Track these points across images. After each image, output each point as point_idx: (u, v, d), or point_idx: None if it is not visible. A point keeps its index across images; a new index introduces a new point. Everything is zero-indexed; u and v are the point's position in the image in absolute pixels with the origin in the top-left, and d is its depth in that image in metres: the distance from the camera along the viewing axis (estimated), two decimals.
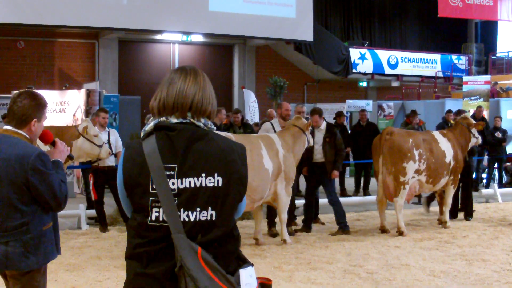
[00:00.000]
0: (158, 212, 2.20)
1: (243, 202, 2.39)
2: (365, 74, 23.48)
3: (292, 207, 8.62)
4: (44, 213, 3.39)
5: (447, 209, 9.34)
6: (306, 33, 19.47)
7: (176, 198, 2.19)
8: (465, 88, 19.24)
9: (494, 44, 26.67)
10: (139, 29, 17.71)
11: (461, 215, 10.12)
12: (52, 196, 3.33)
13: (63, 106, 13.57)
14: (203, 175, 2.22)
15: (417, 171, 8.70)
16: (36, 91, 12.96)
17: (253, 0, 18.38)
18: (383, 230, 8.80)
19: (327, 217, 10.03)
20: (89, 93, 13.08)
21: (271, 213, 8.54)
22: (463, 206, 10.13)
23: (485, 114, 16.08)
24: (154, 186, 2.20)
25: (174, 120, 2.28)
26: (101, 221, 8.97)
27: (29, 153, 3.27)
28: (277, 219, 8.36)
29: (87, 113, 12.78)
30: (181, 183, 2.21)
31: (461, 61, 25.47)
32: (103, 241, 8.18)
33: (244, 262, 2.31)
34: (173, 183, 2.20)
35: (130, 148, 2.29)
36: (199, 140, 2.25)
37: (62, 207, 3.42)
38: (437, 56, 25.02)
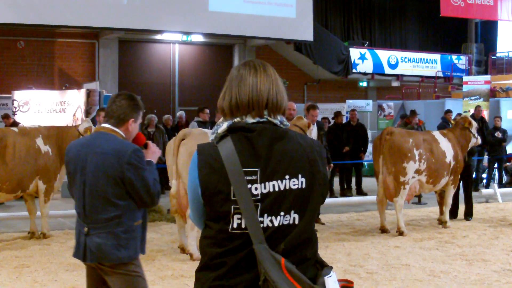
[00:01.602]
0: (240, 219, 2.07)
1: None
2: (365, 74, 23.47)
3: None
4: (136, 209, 3.47)
5: (447, 209, 9.34)
6: (306, 33, 19.46)
7: (260, 204, 2.06)
8: (465, 88, 19.24)
9: (494, 44, 26.66)
10: (139, 29, 17.70)
11: (460, 215, 10.13)
12: (146, 191, 3.41)
13: (63, 106, 13.57)
14: (287, 177, 2.08)
15: (417, 171, 8.70)
16: (38, 90, 12.99)
17: (253, 0, 18.37)
18: (383, 230, 8.80)
19: (327, 217, 10.03)
20: (89, 93, 13.09)
21: None
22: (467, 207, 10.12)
23: (485, 114, 16.09)
24: (235, 193, 2.06)
25: (250, 120, 2.12)
26: None
27: (125, 148, 3.39)
28: None
29: (87, 113, 12.78)
30: (265, 188, 2.07)
31: (461, 61, 25.46)
32: None
33: (322, 265, 2.18)
34: (256, 188, 2.06)
35: (205, 152, 2.12)
36: (280, 140, 2.11)
37: (155, 203, 3.51)
38: (437, 56, 25.01)
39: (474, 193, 10.99)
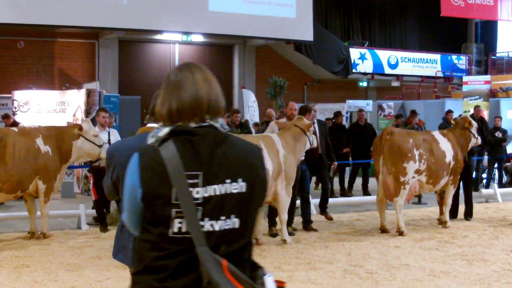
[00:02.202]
0: (181, 223, 2.06)
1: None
2: (365, 74, 23.47)
3: (292, 207, 8.62)
4: None
5: (447, 209, 9.34)
6: (306, 33, 19.47)
7: (201, 208, 2.06)
8: (465, 88, 19.25)
9: (494, 44, 26.66)
10: (139, 29, 17.71)
11: (460, 215, 10.13)
12: None
13: (63, 106, 13.58)
14: (228, 181, 2.09)
15: (418, 171, 8.70)
16: (38, 90, 12.99)
17: (253, 0, 18.38)
18: (383, 230, 8.80)
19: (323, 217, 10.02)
20: (89, 93, 13.09)
21: (271, 213, 8.53)
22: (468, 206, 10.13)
23: (485, 114, 16.09)
24: (177, 197, 2.05)
25: (192, 124, 2.12)
26: (101, 221, 8.97)
27: None
28: (277, 219, 8.37)
29: (87, 113, 12.78)
30: (206, 192, 2.07)
31: (461, 61, 25.47)
32: (103, 241, 8.18)
33: (254, 266, 2.21)
34: (197, 192, 2.06)
35: (146, 155, 2.10)
36: (222, 144, 2.12)
37: None
38: (437, 56, 25.02)
39: (474, 193, 10.99)
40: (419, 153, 8.70)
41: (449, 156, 9.07)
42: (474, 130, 9.55)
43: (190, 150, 2.08)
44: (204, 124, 2.12)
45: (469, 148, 9.65)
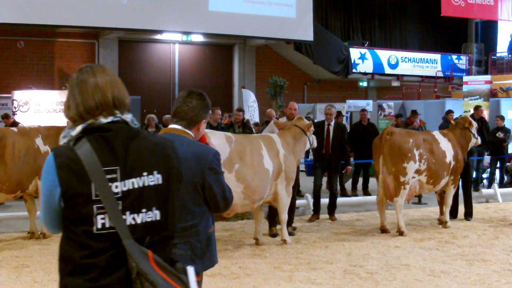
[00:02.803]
0: (104, 219, 2.10)
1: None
2: (365, 74, 23.48)
3: (292, 208, 8.62)
4: (210, 216, 3.29)
5: (447, 209, 9.34)
6: (306, 33, 19.47)
7: (121, 202, 2.11)
8: (465, 88, 19.24)
9: (494, 44, 26.66)
10: (139, 29, 17.71)
11: (461, 215, 10.13)
12: (223, 197, 3.22)
13: (63, 106, 13.57)
14: (145, 174, 2.16)
15: (418, 171, 8.69)
16: (38, 90, 12.97)
17: (253, 0, 18.38)
18: (383, 230, 8.80)
19: (327, 216, 10.02)
20: None
21: (272, 213, 8.53)
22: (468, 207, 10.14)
23: (485, 114, 16.07)
24: (97, 193, 2.09)
25: (103, 120, 2.17)
26: None
27: (206, 152, 3.18)
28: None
29: None
30: (125, 186, 2.12)
31: (461, 61, 25.47)
32: None
33: (172, 261, 2.27)
34: (116, 187, 2.11)
35: (62, 155, 2.13)
36: (135, 138, 2.18)
37: (228, 208, 3.31)
38: (437, 56, 25.02)
39: (474, 193, 10.99)
40: (419, 153, 8.69)
41: (449, 156, 9.06)
42: (474, 130, 9.56)
43: (105, 146, 2.13)
44: (115, 119, 2.18)
45: (469, 148, 9.65)
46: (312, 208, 10.23)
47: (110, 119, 2.17)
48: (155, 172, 2.18)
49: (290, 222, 8.55)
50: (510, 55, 23.83)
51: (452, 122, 10.19)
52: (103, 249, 2.10)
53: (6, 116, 12.57)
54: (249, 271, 6.48)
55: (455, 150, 9.17)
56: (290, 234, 8.31)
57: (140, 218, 2.14)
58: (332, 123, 10.11)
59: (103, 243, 2.10)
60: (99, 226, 2.10)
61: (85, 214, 2.10)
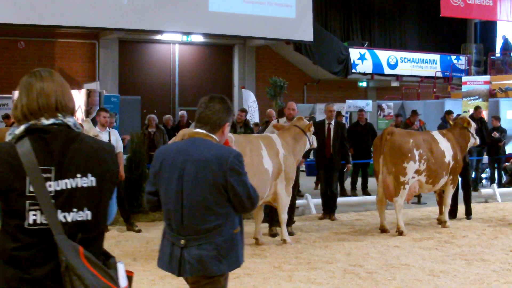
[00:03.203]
0: (36, 215, 2.22)
1: (114, 205, 2.49)
2: (364, 74, 23.49)
3: (292, 208, 8.64)
4: (235, 216, 3.33)
5: (446, 209, 9.37)
6: (306, 33, 19.49)
7: (54, 200, 2.24)
8: (464, 88, 19.27)
9: (494, 45, 26.68)
10: (139, 29, 17.73)
11: (460, 214, 10.15)
12: (248, 197, 3.27)
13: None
14: (78, 176, 2.29)
15: (417, 171, 8.72)
16: None
17: (253, 0, 18.40)
18: (383, 230, 8.82)
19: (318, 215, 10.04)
20: (89, 93, 13.11)
21: (271, 213, 8.55)
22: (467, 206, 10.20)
23: (484, 114, 16.09)
24: (31, 189, 2.21)
25: (45, 121, 2.30)
26: None
27: (227, 154, 3.25)
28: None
29: (87, 113, 12.81)
30: (58, 185, 2.25)
31: (460, 61, 25.48)
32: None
33: (107, 256, 2.41)
34: (50, 186, 2.24)
35: (3, 151, 2.26)
36: (73, 142, 2.32)
37: (254, 207, 3.39)
38: (436, 56, 25.04)
39: (473, 193, 11.01)
40: (419, 153, 8.72)
41: (448, 156, 9.09)
42: (472, 130, 9.59)
43: (43, 146, 2.27)
44: (57, 122, 2.32)
45: (468, 148, 9.68)
46: (312, 208, 10.27)
47: (51, 121, 2.30)
48: (89, 175, 2.31)
49: (290, 222, 8.58)
50: (502, 56, 23.88)
51: (451, 122, 10.22)
52: (33, 243, 2.22)
53: (6, 116, 12.59)
54: (249, 271, 6.50)
55: (454, 150, 9.21)
56: (290, 234, 8.33)
57: (70, 217, 2.27)
58: (333, 122, 10.10)
59: (33, 238, 2.22)
60: (31, 221, 2.23)
61: (17, 209, 2.23)
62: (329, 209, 10.03)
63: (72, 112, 2.40)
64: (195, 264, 3.23)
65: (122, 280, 2.35)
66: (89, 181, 2.30)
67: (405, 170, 8.59)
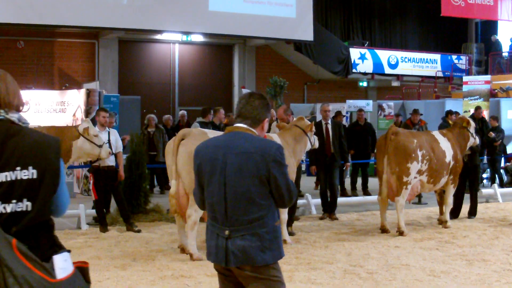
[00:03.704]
0: None
1: (64, 198, 2.56)
2: (365, 74, 23.46)
3: (292, 208, 8.62)
4: (275, 209, 3.40)
5: (447, 209, 9.35)
6: (306, 33, 19.46)
7: None
8: (465, 88, 19.23)
9: (495, 44, 26.61)
10: (139, 29, 17.70)
11: (462, 214, 10.14)
12: (287, 190, 3.34)
13: (63, 106, 13.57)
14: (18, 168, 2.38)
15: (419, 172, 8.74)
16: (38, 90, 12.98)
17: (253, 0, 18.37)
18: (384, 230, 8.80)
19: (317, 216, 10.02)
20: (89, 93, 13.07)
21: None
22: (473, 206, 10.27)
23: (485, 114, 16.06)
24: None
25: None
26: (101, 221, 8.96)
27: (270, 146, 3.33)
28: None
29: (87, 113, 12.78)
30: None
31: (461, 61, 25.45)
32: (103, 241, 8.17)
33: (60, 248, 2.49)
34: None
35: None
36: (14, 136, 2.42)
37: (292, 202, 3.43)
38: (437, 56, 25.00)
39: None
40: (422, 154, 8.76)
41: (449, 156, 9.12)
42: (472, 129, 9.60)
43: None
44: (0, 118, 2.44)
45: (467, 148, 9.67)
46: (312, 208, 10.25)
47: None
48: (30, 167, 2.39)
49: (290, 222, 8.55)
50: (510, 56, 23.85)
51: (451, 122, 10.25)
52: None
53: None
54: None
55: (454, 149, 9.24)
56: (290, 234, 8.31)
57: (10, 208, 2.37)
58: (330, 122, 10.13)
59: None
60: None
61: None
62: (329, 208, 10.02)
63: (17, 109, 2.52)
64: (239, 255, 3.27)
65: (60, 272, 2.39)
66: (29, 173, 2.39)
67: (409, 170, 8.61)
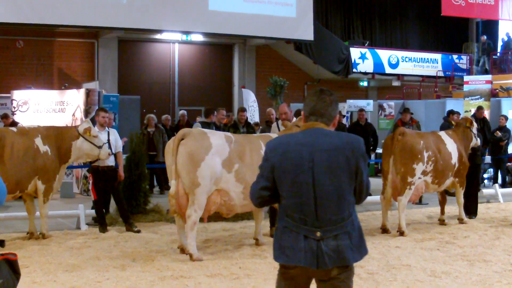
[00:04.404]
0: None
1: None
2: (365, 73, 23.43)
3: None
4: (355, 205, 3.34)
5: (461, 208, 9.58)
6: (306, 32, 19.42)
7: None
8: (466, 87, 19.21)
9: (496, 44, 26.60)
10: (139, 28, 17.66)
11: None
12: (366, 185, 3.32)
13: (63, 106, 13.54)
14: None
15: (423, 172, 8.85)
16: (37, 90, 12.98)
17: None
18: (384, 230, 8.79)
19: None
20: (88, 93, 13.05)
21: (272, 213, 8.49)
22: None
23: (486, 113, 16.02)
24: None
25: None
26: (100, 222, 8.93)
27: (357, 140, 3.29)
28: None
29: (87, 112, 12.75)
30: None
31: (462, 60, 25.42)
32: (102, 242, 8.14)
33: None
34: None
35: None
36: None
37: (364, 199, 3.39)
38: (438, 56, 24.97)
39: None
40: (428, 155, 8.84)
41: (454, 158, 9.25)
42: (475, 130, 9.70)
43: None
44: None
45: (469, 148, 9.71)
46: None
47: None
48: None
49: None
50: (502, 55, 23.86)
51: (453, 122, 10.31)
52: None
53: (5, 116, 12.54)
54: (249, 271, 6.45)
55: (460, 151, 9.37)
56: None
57: None
58: None
59: None
60: None
61: None
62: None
63: None
64: (333, 255, 3.19)
65: None
66: None
67: (414, 171, 8.68)
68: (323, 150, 3.20)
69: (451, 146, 9.24)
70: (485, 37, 25.06)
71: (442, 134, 9.51)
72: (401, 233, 8.54)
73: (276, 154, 3.28)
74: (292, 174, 3.22)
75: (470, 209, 10.19)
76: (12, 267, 2.42)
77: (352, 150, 3.21)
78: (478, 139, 9.82)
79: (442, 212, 9.58)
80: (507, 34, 24.33)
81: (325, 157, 3.19)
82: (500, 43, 25.65)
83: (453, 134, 9.51)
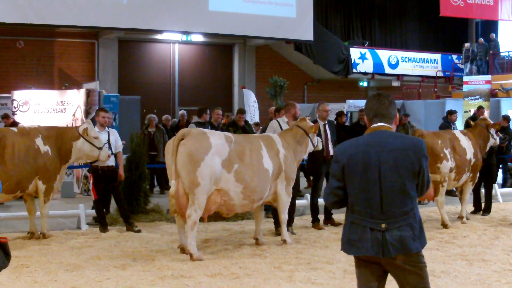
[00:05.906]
0: None
1: None
2: (365, 74, 23.47)
3: (292, 207, 8.59)
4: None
5: (464, 206, 9.70)
6: (306, 32, 19.46)
7: None
8: (465, 88, 19.24)
9: (496, 44, 26.60)
10: (139, 28, 17.70)
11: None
12: (427, 181, 3.67)
13: (63, 106, 13.56)
14: None
15: (450, 169, 9.14)
16: (38, 90, 12.97)
17: (253, 0, 18.36)
18: None
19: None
20: (88, 93, 13.06)
21: (274, 213, 8.48)
22: (487, 205, 10.56)
23: (486, 114, 16.03)
24: None
25: None
26: (101, 221, 8.95)
27: (419, 142, 3.65)
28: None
29: (87, 113, 12.77)
30: None
31: (461, 60, 25.45)
32: (103, 241, 8.16)
33: None
34: None
35: None
36: None
37: (424, 194, 3.72)
38: (437, 56, 25.00)
39: None
40: (448, 152, 9.15)
41: (469, 154, 9.52)
42: (492, 130, 10.02)
43: None
44: None
45: (487, 148, 10.04)
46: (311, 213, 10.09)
47: None
48: None
49: (290, 222, 8.54)
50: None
51: (472, 122, 10.63)
52: None
53: (6, 116, 12.55)
54: (249, 271, 6.47)
55: (475, 148, 9.65)
56: (291, 234, 8.29)
57: None
58: (326, 122, 9.61)
59: None
60: None
61: None
62: (330, 214, 9.61)
63: None
64: (397, 245, 3.52)
65: None
66: None
67: (439, 169, 9.00)
68: (389, 150, 3.59)
69: (465, 142, 9.53)
70: (481, 39, 25.09)
71: (456, 132, 9.92)
72: (445, 226, 9.05)
73: (345, 156, 3.67)
74: (361, 172, 3.61)
75: (485, 206, 10.47)
76: (3, 249, 2.63)
77: (414, 151, 3.59)
78: (497, 138, 10.13)
79: (459, 213, 9.83)
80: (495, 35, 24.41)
81: (391, 157, 3.58)
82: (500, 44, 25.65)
83: (467, 133, 9.82)
